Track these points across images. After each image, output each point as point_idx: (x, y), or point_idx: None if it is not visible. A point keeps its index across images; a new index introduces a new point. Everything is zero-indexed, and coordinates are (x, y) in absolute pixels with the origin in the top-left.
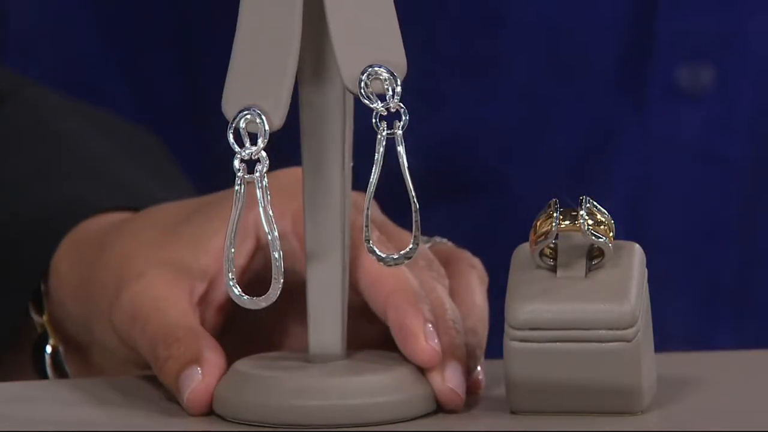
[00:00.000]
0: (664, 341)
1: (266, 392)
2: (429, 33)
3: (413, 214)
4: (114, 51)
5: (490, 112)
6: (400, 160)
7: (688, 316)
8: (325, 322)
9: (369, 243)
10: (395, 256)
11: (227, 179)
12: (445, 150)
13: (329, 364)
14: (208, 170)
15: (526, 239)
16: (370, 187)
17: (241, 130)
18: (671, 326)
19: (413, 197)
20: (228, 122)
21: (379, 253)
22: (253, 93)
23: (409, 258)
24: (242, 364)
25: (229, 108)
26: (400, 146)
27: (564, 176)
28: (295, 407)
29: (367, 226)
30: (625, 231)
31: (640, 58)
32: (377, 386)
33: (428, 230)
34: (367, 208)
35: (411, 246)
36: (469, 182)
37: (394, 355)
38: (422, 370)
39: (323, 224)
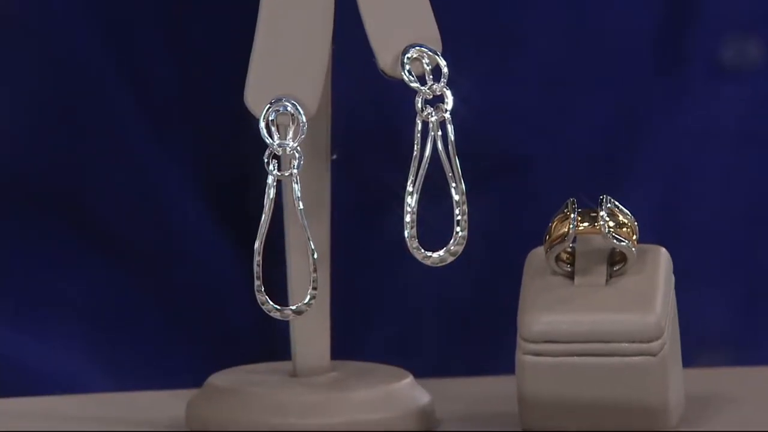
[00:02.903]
0: (700, 343)
1: (244, 409)
2: (446, 10)
3: (459, 205)
4: (107, 43)
5: (513, 94)
6: (450, 146)
7: (728, 316)
8: (311, 331)
9: (415, 241)
10: (441, 254)
11: (222, 173)
12: (464, 135)
13: (314, 378)
14: (202, 164)
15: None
16: (418, 179)
17: (271, 123)
18: (708, 327)
19: (462, 186)
20: (247, 113)
21: (426, 253)
22: (283, 82)
23: (456, 254)
24: (218, 378)
25: (256, 100)
26: (450, 131)
27: (594, 161)
28: (274, 426)
29: (411, 224)
30: (659, 220)
31: (677, 32)
32: (364, 403)
33: (443, 219)
34: (410, 204)
35: (457, 240)
36: (490, 169)
37: (386, 368)
38: (416, 385)
39: (308, 225)
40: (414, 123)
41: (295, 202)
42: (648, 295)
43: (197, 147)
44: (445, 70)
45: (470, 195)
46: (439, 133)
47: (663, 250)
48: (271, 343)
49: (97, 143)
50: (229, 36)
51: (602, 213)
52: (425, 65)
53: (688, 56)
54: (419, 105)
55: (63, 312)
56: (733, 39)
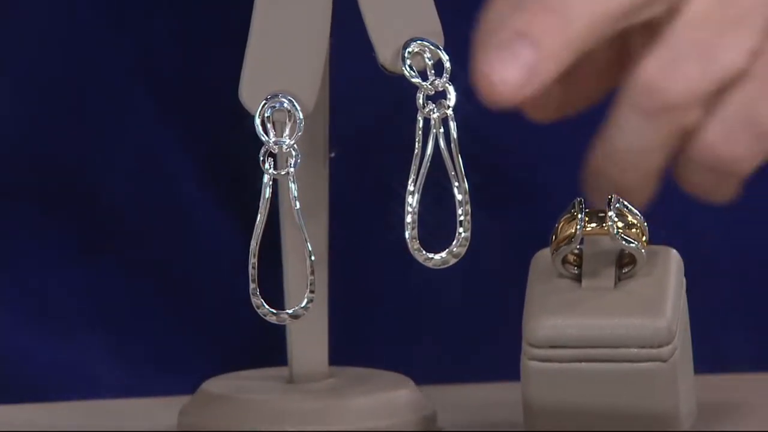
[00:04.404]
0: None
1: (238, 417)
2: None
3: (462, 205)
4: (115, 27)
5: None
6: (452, 144)
7: None
8: (308, 336)
9: (416, 242)
10: (443, 255)
11: (225, 163)
12: (470, 129)
13: (311, 384)
14: (207, 153)
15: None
16: (419, 178)
17: (267, 119)
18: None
19: (464, 185)
20: (241, 109)
21: (428, 255)
22: (280, 78)
23: (459, 256)
24: (213, 385)
25: (251, 95)
26: (452, 128)
27: None
28: None
29: (412, 225)
30: None
31: None
32: (364, 411)
33: (445, 219)
34: (412, 204)
35: (459, 241)
36: (500, 187)
37: (387, 374)
38: (417, 392)
39: (305, 226)
40: (415, 120)
41: (292, 201)
42: (658, 298)
43: (206, 148)
44: (447, 65)
45: (474, 195)
46: (441, 130)
47: (674, 251)
48: (266, 348)
49: (102, 138)
50: (237, 24)
51: (611, 213)
52: (427, 60)
53: None
54: (420, 101)
55: (66, 310)
56: None
